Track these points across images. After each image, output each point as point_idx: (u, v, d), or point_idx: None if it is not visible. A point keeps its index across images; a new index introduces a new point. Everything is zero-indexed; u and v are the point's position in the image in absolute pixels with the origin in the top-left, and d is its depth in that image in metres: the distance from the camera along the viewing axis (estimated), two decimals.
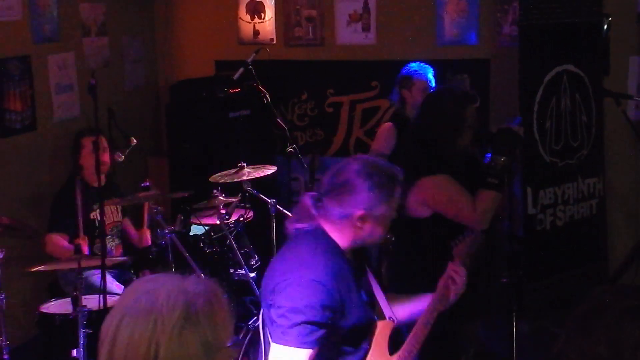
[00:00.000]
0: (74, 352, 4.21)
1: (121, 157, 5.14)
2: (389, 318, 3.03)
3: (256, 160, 5.52)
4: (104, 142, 5.06)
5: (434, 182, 3.78)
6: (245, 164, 5.28)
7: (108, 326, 1.73)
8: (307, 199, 2.95)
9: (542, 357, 4.87)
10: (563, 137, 5.20)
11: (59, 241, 4.99)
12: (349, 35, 6.70)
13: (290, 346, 2.70)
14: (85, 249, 4.82)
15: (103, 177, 5.16)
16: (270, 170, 5.36)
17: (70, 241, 5.01)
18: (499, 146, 3.87)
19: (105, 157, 4.94)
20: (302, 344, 2.70)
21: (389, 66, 6.63)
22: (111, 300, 4.32)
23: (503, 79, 6.18)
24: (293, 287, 2.73)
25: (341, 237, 2.89)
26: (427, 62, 6.02)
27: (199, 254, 5.03)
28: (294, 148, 5.40)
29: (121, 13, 6.69)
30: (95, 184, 5.12)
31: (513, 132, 3.92)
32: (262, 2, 6.88)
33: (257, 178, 5.21)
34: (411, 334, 3.01)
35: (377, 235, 2.92)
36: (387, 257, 5.41)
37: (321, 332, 2.71)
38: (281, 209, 5.23)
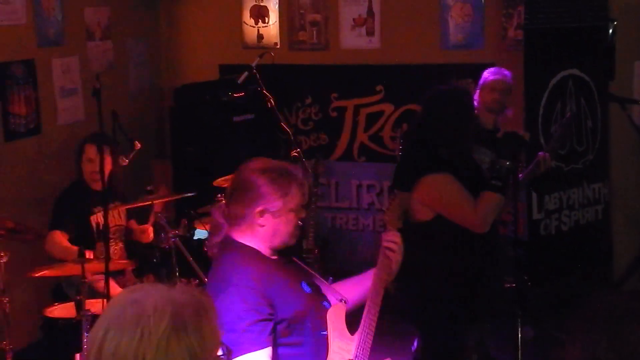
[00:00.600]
0: (78, 357, 4.21)
1: (125, 161, 5.14)
2: (340, 300, 3.07)
3: None
4: (108, 160, 5.05)
5: (436, 180, 3.78)
6: None
7: (94, 337, 1.69)
8: (215, 211, 3.05)
9: None
10: (568, 142, 5.19)
11: (59, 239, 4.97)
12: (353, 40, 6.70)
13: (248, 352, 2.74)
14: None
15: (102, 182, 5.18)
16: None
17: (70, 240, 5.01)
18: (504, 150, 3.86)
19: (102, 166, 4.91)
20: (256, 346, 2.75)
21: (393, 70, 6.64)
22: None
23: None
24: (225, 303, 2.77)
25: (253, 241, 2.95)
26: (431, 66, 6.03)
27: (203, 258, 5.01)
28: (298, 152, 5.39)
29: (125, 17, 6.69)
30: (97, 188, 5.13)
31: (518, 136, 3.91)
32: (266, 6, 6.88)
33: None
34: (365, 310, 3.06)
35: (282, 233, 2.96)
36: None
37: (268, 327, 2.78)
38: None
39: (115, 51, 6.54)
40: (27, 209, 5.42)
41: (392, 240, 3.20)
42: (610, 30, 5.45)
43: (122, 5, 6.64)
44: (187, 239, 5.21)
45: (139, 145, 5.15)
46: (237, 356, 2.74)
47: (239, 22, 6.97)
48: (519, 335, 4.29)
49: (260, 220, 2.91)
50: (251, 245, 2.95)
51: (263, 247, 2.97)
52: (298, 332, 2.91)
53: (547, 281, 5.19)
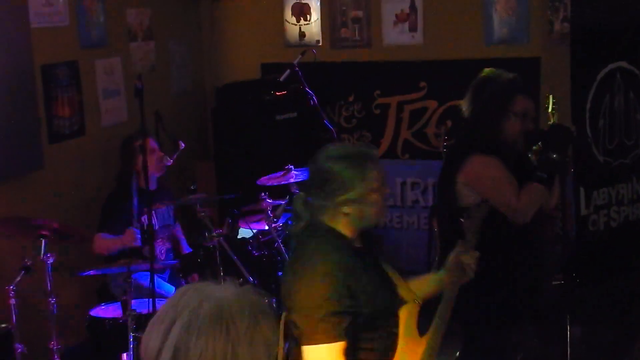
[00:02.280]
0: (124, 356, 4.23)
1: (169, 161, 5.15)
2: (414, 301, 3.00)
3: (303, 163, 5.47)
4: (152, 144, 5.08)
5: (483, 161, 3.74)
6: (292, 167, 5.26)
7: (162, 337, 1.64)
8: (296, 200, 2.97)
9: None
10: (617, 136, 5.09)
11: (104, 238, 4.99)
12: (395, 36, 6.65)
13: (321, 344, 2.68)
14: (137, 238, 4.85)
15: (155, 180, 5.19)
16: None
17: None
18: (551, 142, 3.80)
19: (146, 162, 4.91)
20: (331, 338, 2.68)
21: (436, 66, 6.58)
22: (160, 304, 4.32)
23: (554, 77, 6.07)
24: (307, 286, 2.73)
25: (339, 225, 2.88)
26: (475, 61, 5.95)
27: (247, 258, 5.01)
28: None
29: (167, 17, 6.71)
30: (148, 187, 5.14)
31: (566, 128, 3.85)
32: (307, 4, 6.86)
33: (304, 181, 5.18)
34: (437, 313, 3.02)
35: (369, 216, 2.89)
36: (439, 255, 5.36)
37: (346, 321, 2.71)
38: None
39: (157, 52, 6.57)
40: (71, 210, 5.46)
41: (472, 258, 3.15)
42: None
43: (163, 6, 6.66)
44: (231, 238, 5.21)
45: (182, 145, 5.15)
46: (310, 344, 2.70)
47: (281, 20, 6.96)
48: (568, 334, 4.22)
49: (344, 209, 2.83)
50: (338, 230, 2.87)
51: (350, 232, 2.89)
52: (373, 327, 2.85)
53: (596, 279, 5.09)
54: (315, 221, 2.89)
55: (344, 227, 2.88)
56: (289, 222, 3.08)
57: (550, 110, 4.41)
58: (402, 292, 3.02)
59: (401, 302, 2.97)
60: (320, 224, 2.88)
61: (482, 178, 3.76)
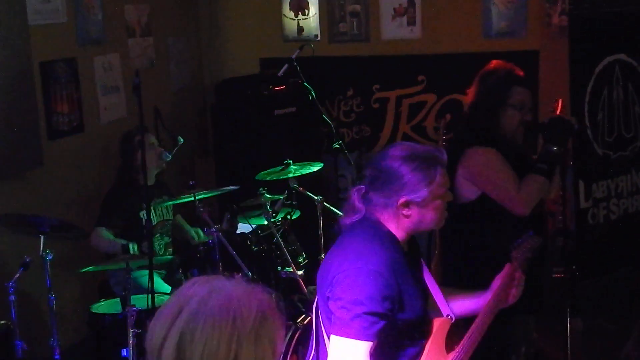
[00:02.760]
0: (124, 352, 4.23)
1: (168, 157, 5.14)
2: (447, 315, 2.96)
3: (302, 158, 5.48)
4: (151, 140, 5.08)
5: (482, 153, 3.73)
6: (291, 162, 5.25)
7: (168, 325, 1.64)
8: (353, 194, 2.90)
9: (597, 355, 4.77)
10: (616, 128, 5.09)
11: (104, 234, 4.98)
12: (394, 30, 6.64)
13: (351, 338, 2.65)
14: None
15: (154, 176, 5.19)
16: (316, 167, 5.33)
17: (116, 237, 5.03)
18: (551, 134, 3.79)
19: (145, 158, 4.90)
20: (363, 336, 2.65)
21: (435, 60, 6.57)
22: (159, 300, 4.32)
23: (553, 70, 6.07)
24: (352, 278, 2.68)
25: (394, 227, 2.83)
26: (474, 55, 5.95)
27: (247, 253, 5.00)
28: (340, 145, 5.37)
29: (165, 13, 6.70)
30: (148, 183, 5.14)
31: (566, 120, 3.84)
32: None
33: (303, 175, 5.19)
34: (468, 334, 2.94)
35: (429, 221, 2.84)
36: (438, 248, 5.36)
37: (381, 323, 2.67)
38: (328, 206, 5.19)
39: (156, 48, 6.56)
40: (70, 206, 5.46)
41: (518, 280, 3.08)
42: None
43: (161, 2, 6.65)
44: (230, 233, 5.20)
45: (182, 140, 5.15)
46: (339, 335, 2.67)
47: (279, 15, 6.95)
48: (568, 327, 4.22)
49: (405, 211, 2.79)
50: (390, 229, 2.83)
51: (403, 235, 2.85)
52: (404, 334, 2.82)
53: (596, 272, 5.09)
54: (370, 217, 2.84)
55: (398, 228, 2.84)
56: (340, 213, 3.01)
57: (558, 113, 4.39)
58: (439, 304, 2.99)
59: (436, 314, 2.95)
60: (374, 221, 2.83)
61: (482, 170, 3.76)
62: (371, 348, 2.67)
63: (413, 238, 3.00)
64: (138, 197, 5.09)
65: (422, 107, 6.69)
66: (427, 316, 2.90)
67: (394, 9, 6.60)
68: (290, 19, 6.92)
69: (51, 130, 5.39)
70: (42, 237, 4.24)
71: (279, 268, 5.01)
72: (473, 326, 2.95)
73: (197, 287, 1.68)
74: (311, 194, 5.17)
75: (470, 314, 3.03)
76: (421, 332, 2.88)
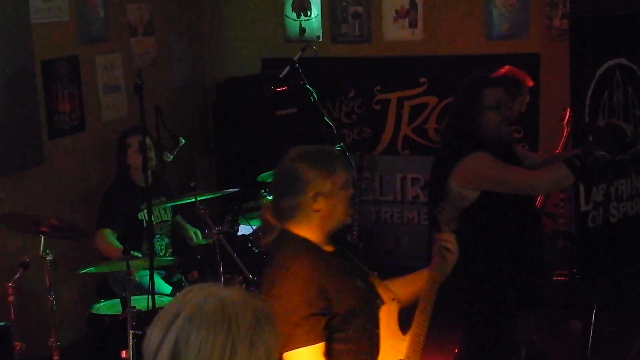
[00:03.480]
0: (124, 353, 4.22)
1: (169, 157, 5.14)
2: (393, 299, 3.02)
3: None
4: (147, 141, 5.08)
5: (474, 159, 3.73)
6: None
7: (164, 330, 1.64)
8: (264, 210, 3.00)
9: (596, 357, 4.77)
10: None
11: (107, 237, 4.98)
12: (396, 31, 6.64)
13: (301, 347, 2.69)
14: None
15: (150, 176, 5.19)
16: None
17: (119, 238, 5.03)
18: (600, 138, 3.74)
19: (146, 158, 4.91)
20: (310, 340, 2.70)
21: (436, 62, 6.58)
22: (159, 301, 4.32)
23: (553, 73, 6.08)
24: (280, 293, 2.74)
25: (309, 231, 2.90)
26: (475, 57, 5.95)
27: (247, 254, 5.01)
28: (341, 146, 5.37)
29: (167, 12, 6.70)
30: (143, 184, 5.14)
31: (622, 129, 3.77)
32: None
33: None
34: (418, 310, 3.00)
35: (340, 213, 2.91)
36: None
37: (322, 322, 2.73)
38: None
39: (158, 47, 6.57)
40: (71, 206, 5.46)
41: (449, 240, 3.13)
42: None
43: (164, 1, 6.66)
44: (231, 234, 5.21)
45: (183, 140, 5.15)
46: (289, 350, 2.69)
47: (281, 16, 6.96)
48: (568, 329, 4.23)
49: (315, 205, 2.85)
50: (307, 237, 2.90)
51: (320, 236, 2.92)
52: (351, 328, 2.86)
53: (596, 274, 5.09)
54: (284, 231, 2.92)
55: (312, 231, 2.90)
56: (260, 235, 3.11)
57: (566, 122, 4.39)
58: (380, 292, 3.04)
59: (379, 302, 2.98)
60: (287, 233, 2.91)
61: (481, 172, 3.75)
62: (323, 348, 2.72)
63: (339, 237, 3.04)
64: (134, 197, 5.11)
65: (423, 109, 6.69)
66: (370, 306, 2.94)
67: (396, 11, 6.61)
68: (292, 19, 6.93)
69: (52, 129, 5.40)
70: (42, 237, 4.24)
71: None
72: (421, 301, 3.00)
73: (195, 293, 1.70)
74: None
75: (416, 295, 3.07)
76: (368, 322, 2.91)
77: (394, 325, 2.97)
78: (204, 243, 5.08)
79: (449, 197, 3.32)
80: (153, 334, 1.67)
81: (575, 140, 4.02)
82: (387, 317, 2.95)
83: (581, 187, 4.95)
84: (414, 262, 5.86)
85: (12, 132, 5.03)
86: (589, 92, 4.95)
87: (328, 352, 2.81)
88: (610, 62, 4.99)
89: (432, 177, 4.08)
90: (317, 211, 2.87)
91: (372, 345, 2.90)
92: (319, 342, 2.72)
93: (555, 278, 5.36)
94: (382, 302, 2.98)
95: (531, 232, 3.93)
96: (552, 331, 4.71)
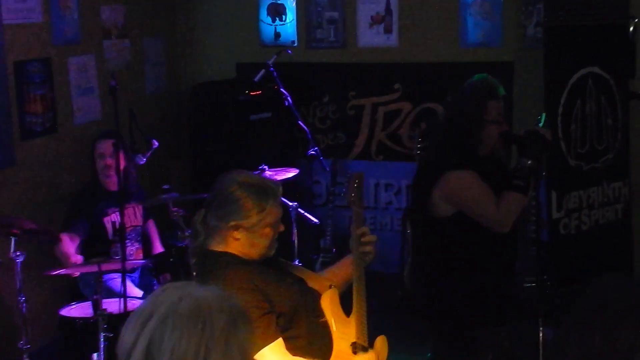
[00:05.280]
0: (94, 356, 4.20)
1: (143, 160, 5.12)
2: (330, 286, 3.09)
3: (277, 163, 5.49)
4: (122, 158, 5.06)
5: (460, 177, 3.75)
6: (266, 167, 5.25)
7: (138, 330, 1.63)
8: (197, 216, 3.06)
9: None
10: (588, 140, 5.13)
11: (66, 246, 4.96)
12: (371, 38, 6.66)
13: (263, 347, 2.75)
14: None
15: (117, 180, 5.18)
16: (291, 173, 5.34)
17: (82, 243, 5.01)
18: (526, 149, 3.81)
19: (118, 162, 4.91)
20: (269, 338, 2.77)
21: (411, 69, 6.60)
22: (131, 304, 4.30)
23: (527, 81, 6.12)
24: None
25: (230, 250, 2.96)
26: (449, 64, 5.97)
27: None
28: (315, 151, 5.38)
29: (142, 15, 6.67)
30: (111, 188, 5.13)
31: (541, 135, 3.86)
32: (283, 4, 6.85)
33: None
34: (354, 292, 3.06)
35: (260, 247, 2.99)
36: (411, 256, 5.37)
37: (273, 319, 2.81)
38: (302, 212, 5.19)
39: (132, 50, 6.53)
40: (42, 208, 5.42)
41: (370, 241, 3.16)
42: (631, 28, 5.37)
43: (138, 4, 6.62)
44: None
45: (156, 143, 5.13)
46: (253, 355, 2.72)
47: (256, 20, 6.94)
48: (540, 337, 4.25)
49: (235, 234, 2.93)
50: (229, 252, 2.96)
51: (244, 254, 2.99)
52: (298, 324, 2.93)
53: (568, 281, 5.13)
54: (205, 251, 2.98)
55: (232, 250, 2.96)
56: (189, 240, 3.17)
57: (541, 127, 4.42)
58: (313, 284, 3.12)
59: (315, 293, 3.05)
60: (210, 253, 2.97)
61: (460, 194, 3.78)
62: (282, 343, 2.81)
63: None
64: (101, 202, 5.10)
65: (397, 115, 6.71)
66: (309, 299, 3.01)
67: (371, 17, 6.62)
68: (267, 24, 6.92)
69: (24, 131, 5.35)
70: (12, 239, 4.21)
71: None
72: (354, 284, 3.07)
73: (169, 293, 1.69)
74: (286, 200, 5.17)
75: (348, 279, 3.15)
76: (313, 314, 2.98)
77: (338, 311, 3.04)
78: None
79: (357, 175, 3.31)
80: (126, 334, 1.66)
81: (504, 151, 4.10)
82: (331, 304, 3.02)
83: (553, 194, 4.99)
84: (388, 268, 5.88)
85: None
86: (562, 101, 4.99)
87: (305, 343, 2.84)
88: (584, 71, 5.04)
89: (416, 181, 4.09)
90: (236, 239, 2.94)
91: (324, 335, 2.97)
92: (277, 338, 2.80)
93: (526, 285, 5.38)
94: (319, 293, 3.05)
95: (505, 241, 3.95)
96: (524, 338, 4.72)
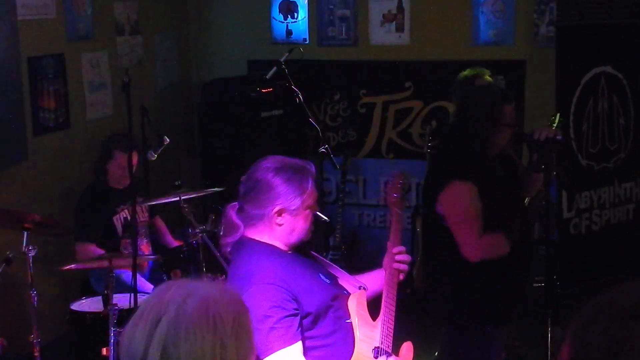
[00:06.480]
0: (104, 351, 4.22)
1: (154, 156, 5.13)
2: (359, 287, 3.06)
3: None
4: (135, 158, 5.07)
5: (459, 191, 3.71)
6: None
7: (147, 334, 1.62)
8: (229, 211, 3.01)
9: None
10: (600, 140, 5.12)
11: (91, 251, 4.99)
12: (382, 35, 6.66)
13: (279, 350, 2.71)
14: None
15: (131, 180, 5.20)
16: None
17: (99, 245, 5.03)
18: (541, 155, 3.76)
19: (131, 171, 4.96)
20: (287, 342, 2.72)
21: (422, 67, 6.59)
22: (141, 299, 4.31)
23: (539, 80, 6.11)
24: (249, 301, 2.73)
25: (270, 240, 2.93)
26: (461, 62, 5.96)
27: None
28: (326, 148, 5.36)
29: (154, 12, 6.69)
30: (119, 187, 5.16)
31: (558, 142, 3.79)
32: (295, 2, 6.85)
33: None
34: (383, 296, 3.06)
35: (301, 230, 2.95)
36: (420, 255, 5.38)
37: (296, 322, 2.76)
38: None
39: (144, 46, 6.55)
40: (54, 202, 5.44)
41: (403, 261, 3.17)
42: None
43: (150, 1, 6.64)
44: (215, 234, 5.19)
45: (167, 140, 5.14)
46: (268, 355, 2.71)
47: (268, 18, 6.95)
48: (549, 336, 4.24)
49: (279, 220, 2.89)
50: (268, 242, 2.94)
51: (279, 244, 2.96)
52: (323, 324, 2.90)
53: (578, 281, 5.12)
54: (244, 237, 2.94)
55: (274, 239, 2.94)
56: (220, 234, 3.14)
57: (555, 127, 4.41)
58: (344, 283, 3.09)
59: (345, 292, 3.03)
60: (248, 239, 2.93)
61: (453, 208, 3.75)
62: (301, 347, 2.76)
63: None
64: (109, 201, 5.12)
65: (408, 114, 6.71)
66: (338, 299, 2.98)
67: (383, 15, 6.62)
68: (279, 21, 6.93)
69: (37, 126, 5.37)
70: (25, 233, 4.22)
71: None
72: (385, 287, 3.07)
73: (172, 293, 1.68)
74: None
75: (380, 287, 3.16)
76: (339, 314, 2.95)
77: (365, 313, 3.01)
78: None
79: (401, 175, 3.32)
80: (134, 339, 1.64)
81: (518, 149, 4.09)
82: (357, 306, 2.99)
83: (564, 194, 4.99)
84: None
85: None
86: (574, 100, 4.98)
87: (308, 350, 2.83)
88: (596, 70, 5.03)
89: (427, 180, 4.08)
90: (280, 225, 2.90)
91: (347, 335, 2.94)
92: (296, 342, 2.74)
93: (535, 284, 5.38)
94: (348, 293, 3.02)
95: (515, 242, 3.93)
96: (533, 337, 4.72)
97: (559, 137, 3.82)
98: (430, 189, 3.93)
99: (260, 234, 2.93)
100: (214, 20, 7.16)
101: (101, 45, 6.03)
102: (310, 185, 2.92)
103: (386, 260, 3.18)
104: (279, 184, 2.87)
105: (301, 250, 3.08)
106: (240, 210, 2.97)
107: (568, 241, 5.06)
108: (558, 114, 4.21)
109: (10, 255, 4.22)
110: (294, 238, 2.96)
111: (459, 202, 3.72)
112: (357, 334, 2.95)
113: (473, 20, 6.40)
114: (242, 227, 2.95)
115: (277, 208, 2.87)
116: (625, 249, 5.43)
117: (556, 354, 4.16)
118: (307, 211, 2.93)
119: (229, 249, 3.01)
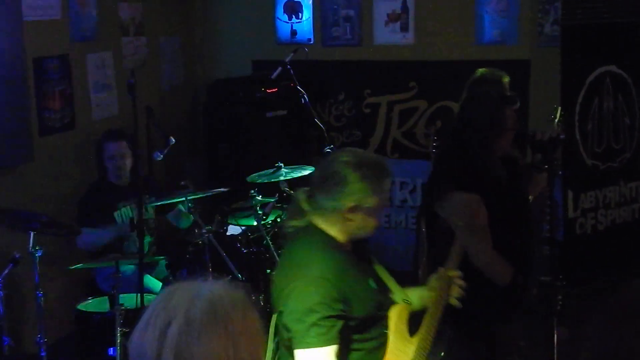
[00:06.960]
0: (111, 350, 4.23)
1: (160, 157, 5.14)
2: (404, 301, 3.03)
3: (293, 161, 5.49)
4: (123, 147, 5.12)
5: (463, 201, 3.69)
6: (282, 165, 5.26)
7: (157, 339, 1.61)
8: (299, 195, 2.97)
9: None
10: (605, 139, 5.12)
11: (89, 231, 5.01)
12: (387, 35, 6.66)
13: (314, 347, 2.68)
14: None
15: (127, 177, 5.22)
16: (306, 171, 5.34)
17: None
18: (545, 154, 3.77)
19: (124, 162, 4.98)
20: (324, 342, 2.68)
21: (427, 66, 6.60)
22: (148, 299, 4.32)
23: (543, 80, 6.11)
24: (299, 289, 2.73)
25: (335, 230, 2.89)
26: (466, 62, 5.97)
27: (236, 254, 5.01)
28: (330, 149, 5.38)
29: (159, 12, 6.70)
30: (120, 183, 5.18)
31: (562, 140, 3.79)
32: (299, 2, 6.86)
33: (294, 179, 5.20)
34: (427, 315, 3.03)
35: (369, 227, 2.91)
36: (426, 255, 5.37)
37: (338, 324, 2.71)
38: None
39: (149, 47, 6.56)
40: (60, 203, 5.45)
41: (460, 285, 3.16)
42: None
43: (155, 1, 6.65)
44: (220, 234, 5.21)
45: (173, 140, 5.15)
46: (302, 348, 2.69)
47: (272, 18, 6.96)
48: (555, 336, 4.24)
49: (351, 216, 2.84)
50: (332, 234, 2.89)
51: (344, 238, 2.91)
52: (365, 330, 2.86)
53: (583, 281, 5.11)
54: (312, 222, 2.89)
55: (338, 232, 2.89)
56: (284, 216, 3.08)
57: (557, 121, 4.40)
58: (394, 293, 3.04)
59: (391, 303, 2.99)
60: (316, 227, 2.88)
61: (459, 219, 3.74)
62: (336, 350, 2.70)
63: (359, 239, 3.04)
64: (110, 197, 5.13)
65: (413, 113, 6.71)
66: (386, 307, 2.95)
67: (387, 15, 6.62)
68: (283, 21, 6.93)
69: (42, 127, 5.39)
70: (31, 234, 4.23)
71: (268, 270, 5.02)
72: (431, 306, 3.05)
73: (178, 297, 1.68)
74: None
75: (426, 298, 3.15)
76: (382, 323, 2.92)
77: (403, 327, 2.97)
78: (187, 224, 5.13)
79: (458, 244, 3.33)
80: (144, 345, 1.64)
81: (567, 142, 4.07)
82: (397, 318, 2.95)
83: (569, 193, 4.98)
84: (402, 266, 5.88)
85: (2, 128, 5.02)
86: (579, 99, 4.97)
87: (347, 353, 2.79)
88: (601, 69, 5.02)
89: (430, 181, 4.07)
90: (350, 221, 2.85)
91: (380, 345, 2.91)
92: (333, 344, 2.70)
93: (542, 285, 5.37)
94: (393, 302, 2.99)
95: (518, 241, 3.93)
96: (538, 337, 4.72)
97: (562, 137, 3.83)
98: (432, 193, 3.92)
99: (328, 225, 2.88)
100: (219, 20, 7.17)
101: (106, 46, 6.04)
102: (387, 184, 2.88)
103: (437, 281, 3.14)
104: (357, 181, 2.81)
105: (361, 248, 3.03)
106: (310, 197, 2.92)
107: (573, 241, 5.05)
108: (559, 108, 4.21)
109: (16, 256, 4.23)
110: (362, 233, 2.92)
111: (462, 213, 3.71)
112: (390, 346, 2.91)
113: (477, 20, 6.40)
114: (309, 213, 2.91)
115: (351, 204, 2.81)
116: (631, 249, 5.42)
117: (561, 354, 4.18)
118: (380, 210, 2.89)
119: (290, 231, 2.96)
